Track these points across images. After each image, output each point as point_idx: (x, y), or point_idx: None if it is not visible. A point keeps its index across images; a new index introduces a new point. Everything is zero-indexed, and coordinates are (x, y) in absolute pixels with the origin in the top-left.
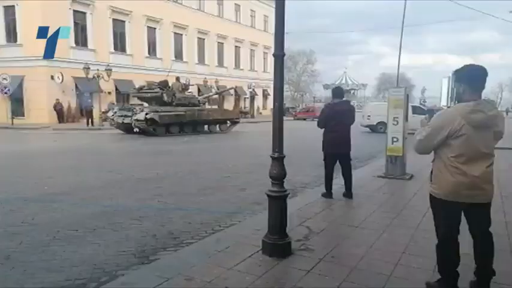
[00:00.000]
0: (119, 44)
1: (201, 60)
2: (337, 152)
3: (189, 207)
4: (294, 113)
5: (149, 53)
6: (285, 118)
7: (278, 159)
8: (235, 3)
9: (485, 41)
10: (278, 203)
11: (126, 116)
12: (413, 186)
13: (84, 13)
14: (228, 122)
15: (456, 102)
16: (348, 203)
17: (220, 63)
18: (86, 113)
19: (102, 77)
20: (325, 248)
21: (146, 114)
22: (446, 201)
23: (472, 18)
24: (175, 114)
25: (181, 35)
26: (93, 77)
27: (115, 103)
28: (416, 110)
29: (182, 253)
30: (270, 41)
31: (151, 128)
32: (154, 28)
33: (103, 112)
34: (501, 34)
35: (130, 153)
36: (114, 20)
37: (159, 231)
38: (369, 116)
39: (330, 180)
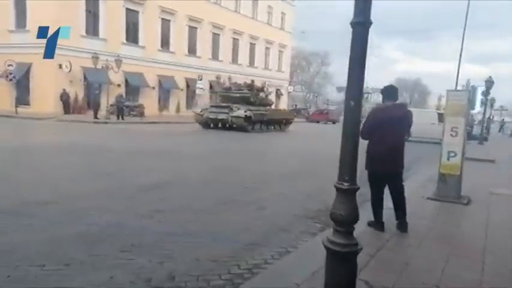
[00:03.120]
0: (131, 35)
1: (215, 55)
2: (386, 170)
3: (197, 231)
4: (307, 114)
5: (162, 46)
6: (296, 119)
7: (348, 192)
8: None
9: (502, 50)
10: (344, 263)
11: (221, 112)
12: (478, 215)
13: (97, 1)
14: (288, 121)
15: None
16: (406, 239)
17: (235, 60)
18: (93, 104)
19: (112, 68)
20: None
21: (245, 111)
22: None
23: (491, 26)
24: (260, 113)
25: (196, 28)
26: (102, 67)
27: (124, 96)
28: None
29: None
30: (286, 39)
31: (246, 124)
32: (169, 20)
33: (111, 105)
34: None
35: (138, 153)
36: (127, 9)
37: (156, 272)
38: None
39: (379, 208)
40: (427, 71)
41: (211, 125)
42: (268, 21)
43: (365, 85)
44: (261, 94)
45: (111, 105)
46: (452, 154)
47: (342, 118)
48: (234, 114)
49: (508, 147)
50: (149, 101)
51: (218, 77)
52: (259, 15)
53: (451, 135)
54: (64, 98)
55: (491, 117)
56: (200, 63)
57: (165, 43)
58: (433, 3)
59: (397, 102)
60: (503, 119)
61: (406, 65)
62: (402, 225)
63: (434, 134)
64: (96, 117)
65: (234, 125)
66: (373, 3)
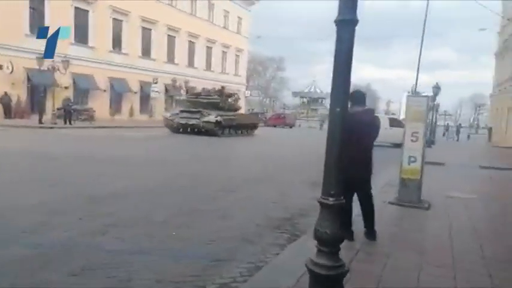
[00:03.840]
0: (80, 35)
1: (171, 58)
2: (355, 176)
3: (157, 248)
4: (264, 119)
5: (113, 47)
6: None
7: (334, 207)
8: (210, 2)
9: (446, 59)
10: (329, 287)
11: (192, 117)
12: (440, 220)
13: None
14: (255, 126)
15: None
16: (376, 248)
17: (191, 63)
18: (38, 108)
19: (58, 69)
20: None
21: (216, 117)
22: None
23: (436, 35)
24: (229, 118)
25: (150, 30)
26: (48, 68)
27: (72, 99)
28: (394, 123)
29: None
30: (243, 44)
31: (216, 129)
32: (121, 21)
33: (58, 109)
34: (459, 52)
35: (89, 159)
36: (76, 8)
37: None
38: None
39: (348, 216)
40: (377, 77)
41: (181, 129)
42: (225, 25)
43: (319, 91)
44: (230, 100)
45: (58, 108)
46: (412, 159)
47: (298, 122)
48: (205, 119)
49: (454, 150)
50: (100, 105)
51: (174, 81)
52: (215, 18)
53: (412, 140)
54: (5, 101)
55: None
56: (155, 65)
57: (117, 44)
58: (382, 14)
59: (366, 108)
60: (447, 124)
61: (357, 71)
62: (371, 234)
63: (387, 138)
64: (41, 121)
65: (204, 130)
66: (326, 13)
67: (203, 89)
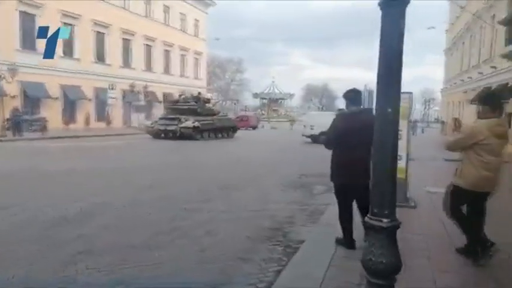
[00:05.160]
0: (28, 41)
1: (127, 63)
2: (355, 182)
3: (139, 277)
4: None
5: (64, 52)
6: None
7: (389, 230)
8: (164, 4)
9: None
10: None
11: (170, 124)
12: (430, 218)
13: None
14: (235, 129)
15: None
16: None
17: (149, 67)
18: None
19: (4, 78)
20: None
21: (193, 122)
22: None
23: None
24: (208, 122)
25: (103, 34)
26: None
27: (21, 109)
28: None
29: None
30: (202, 46)
31: (194, 134)
32: (71, 25)
33: (7, 119)
34: (408, 50)
35: (48, 174)
36: (22, 12)
37: None
38: (312, 126)
39: (349, 224)
40: (332, 76)
41: (162, 135)
42: (182, 27)
43: (278, 91)
44: (208, 105)
45: (6, 119)
46: (398, 158)
47: (260, 123)
48: (183, 125)
49: (422, 145)
50: (52, 114)
51: (132, 86)
52: (171, 21)
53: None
54: None
55: None
56: (111, 71)
57: (68, 49)
58: (334, 14)
59: (363, 108)
60: (415, 120)
61: (313, 71)
62: None
63: None
64: None
65: (184, 135)
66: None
67: (182, 96)
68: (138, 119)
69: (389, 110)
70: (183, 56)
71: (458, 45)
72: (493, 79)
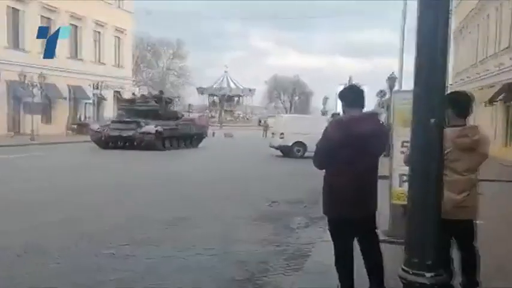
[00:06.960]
0: None
1: (15, 43)
2: (356, 214)
3: None
4: None
5: None
6: None
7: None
8: None
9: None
10: None
11: (126, 128)
12: None
13: None
14: (200, 136)
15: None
16: None
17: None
18: None
19: None
20: None
21: (155, 127)
22: None
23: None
24: (171, 128)
25: None
26: None
27: None
28: None
29: None
30: (126, 22)
31: (157, 141)
32: None
33: None
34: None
35: None
36: None
37: None
38: (282, 134)
39: (347, 268)
40: (305, 66)
41: (111, 143)
42: None
43: (234, 85)
44: (170, 106)
45: None
46: (405, 178)
47: (209, 130)
48: (143, 130)
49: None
50: None
51: (23, 75)
52: None
53: (402, 152)
54: None
55: None
56: None
57: None
58: None
59: (366, 111)
60: None
61: (278, 58)
62: None
63: None
64: None
65: (143, 143)
66: None
67: (142, 95)
68: (32, 122)
69: (432, 120)
70: (97, 33)
71: (471, 29)
72: None
